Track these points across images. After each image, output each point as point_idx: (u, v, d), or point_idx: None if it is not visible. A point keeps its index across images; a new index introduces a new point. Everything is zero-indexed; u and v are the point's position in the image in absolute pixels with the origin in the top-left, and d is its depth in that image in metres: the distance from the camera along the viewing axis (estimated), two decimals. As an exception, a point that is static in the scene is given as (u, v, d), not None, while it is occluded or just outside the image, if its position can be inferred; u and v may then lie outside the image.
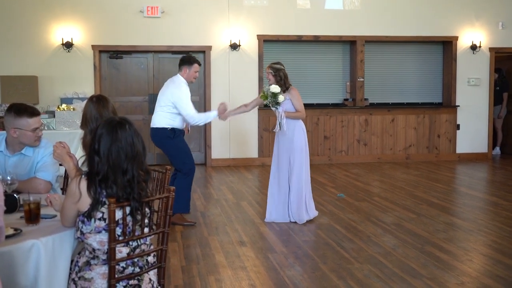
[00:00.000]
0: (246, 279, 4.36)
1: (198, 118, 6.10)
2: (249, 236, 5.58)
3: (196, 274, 4.47)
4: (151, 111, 10.51)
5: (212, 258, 4.90)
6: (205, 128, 10.30)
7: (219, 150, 10.38)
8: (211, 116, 6.25)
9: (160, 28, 10.15)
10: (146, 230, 2.72)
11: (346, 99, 10.99)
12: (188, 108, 6.01)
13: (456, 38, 11.05)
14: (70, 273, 2.73)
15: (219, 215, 6.50)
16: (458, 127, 11.16)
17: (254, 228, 5.93)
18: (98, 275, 2.61)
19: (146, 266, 2.73)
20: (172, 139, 6.05)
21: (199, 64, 6.22)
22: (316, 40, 10.64)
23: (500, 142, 11.98)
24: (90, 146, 2.66)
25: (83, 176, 2.64)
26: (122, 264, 2.64)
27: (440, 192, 7.79)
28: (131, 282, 2.66)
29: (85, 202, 2.61)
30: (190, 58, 6.24)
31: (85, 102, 3.99)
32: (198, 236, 5.62)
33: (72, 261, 2.77)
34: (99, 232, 2.60)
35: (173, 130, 6.04)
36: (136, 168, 2.64)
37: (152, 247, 2.82)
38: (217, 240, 5.45)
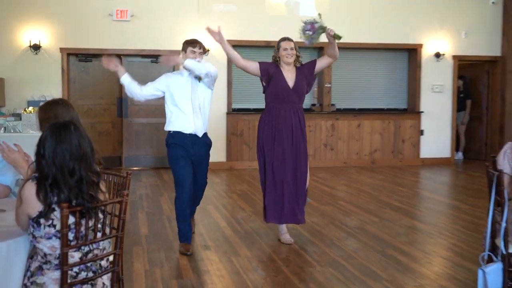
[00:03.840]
0: (209, 283, 4.31)
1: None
2: (213, 240, 5.53)
3: (159, 278, 4.40)
4: (119, 114, 10.45)
5: (176, 262, 4.84)
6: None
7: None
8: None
9: (129, 31, 10.05)
10: (99, 234, 2.66)
11: (313, 104, 11.03)
12: None
13: (421, 46, 11.19)
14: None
15: (185, 219, 6.44)
16: (422, 132, 11.30)
17: (219, 232, 5.88)
18: (51, 280, 2.54)
19: (99, 271, 2.67)
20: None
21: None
22: (285, 46, 10.65)
23: (463, 147, 12.17)
24: (36, 150, 2.59)
25: (30, 180, 2.57)
26: (75, 269, 2.57)
27: (403, 196, 7.86)
28: (84, 286, 2.60)
29: (34, 207, 2.53)
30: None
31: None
32: (163, 240, 5.55)
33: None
34: (49, 238, 2.54)
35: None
36: (84, 169, 2.58)
37: (106, 251, 2.76)
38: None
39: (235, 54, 5.32)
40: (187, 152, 5.08)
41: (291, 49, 5.28)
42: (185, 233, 5.08)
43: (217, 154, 10.41)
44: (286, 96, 5.26)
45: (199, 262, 4.81)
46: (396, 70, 11.49)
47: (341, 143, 10.90)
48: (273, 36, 10.40)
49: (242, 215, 6.60)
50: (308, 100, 11.06)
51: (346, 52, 11.04)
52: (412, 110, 11.35)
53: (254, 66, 5.37)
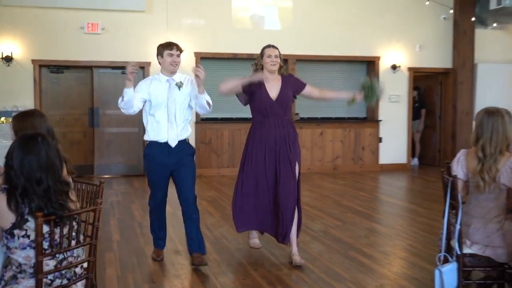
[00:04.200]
0: (180, 286, 4.27)
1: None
2: (184, 245, 5.45)
3: (132, 283, 4.34)
4: (90, 124, 10.30)
5: (148, 267, 4.78)
6: (143, 141, 10.11)
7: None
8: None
9: (100, 44, 9.93)
10: (73, 242, 2.61)
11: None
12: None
13: (379, 58, 11.37)
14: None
15: (156, 225, 6.36)
16: (380, 140, 11.45)
17: (189, 237, 5.84)
18: (26, 288, 2.49)
19: (74, 278, 2.62)
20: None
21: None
22: (251, 58, 10.66)
23: (418, 153, 12.38)
24: (5, 162, 2.54)
25: (0, 192, 2.51)
26: (50, 276, 2.52)
27: (364, 200, 7.94)
28: (59, 294, 2.55)
29: (6, 219, 2.47)
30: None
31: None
32: (134, 246, 5.47)
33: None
34: (24, 248, 2.48)
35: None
36: (52, 179, 2.54)
37: (80, 258, 2.71)
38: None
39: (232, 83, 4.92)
40: (163, 162, 4.66)
41: (276, 56, 4.86)
42: (157, 239, 4.98)
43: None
44: (269, 109, 4.83)
45: (170, 267, 4.77)
46: (356, 81, 11.56)
47: (305, 151, 10.96)
48: (239, 49, 10.47)
49: (211, 221, 6.56)
50: (273, 110, 11.10)
51: (309, 64, 11.14)
52: (371, 119, 11.50)
53: (232, 80, 4.97)
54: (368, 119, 11.55)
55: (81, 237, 2.73)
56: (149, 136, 4.74)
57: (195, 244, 4.73)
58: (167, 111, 4.67)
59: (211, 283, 4.35)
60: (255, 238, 5.33)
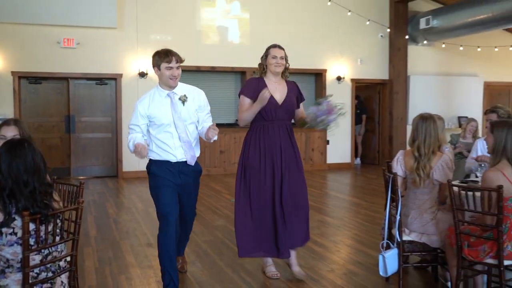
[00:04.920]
0: (154, 276, 4.22)
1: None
2: (156, 238, 5.38)
3: (108, 274, 4.26)
4: (67, 130, 10.05)
5: (123, 259, 4.70)
6: (116, 142, 9.95)
7: (129, 163, 10.04)
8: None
9: (75, 57, 9.70)
10: (57, 238, 2.55)
11: (238, 120, 11.06)
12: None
13: (325, 70, 11.52)
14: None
15: (129, 221, 6.26)
16: (328, 142, 11.60)
17: (160, 231, 5.77)
18: (13, 282, 2.40)
19: (58, 271, 2.56)
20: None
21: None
22: (213, 70, 10.67)
23: (360, 154, 12.59)
24: None
25: None
26: (36, 270, 2.45)
27: (315, 196, 8.03)
28: (45, 286, 2.48)
29: None
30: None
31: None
32: (110, 240, 5.37)
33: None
34: (12, 245, 2.41)
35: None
36: (37, 181, 2.49)
37: (63, 253, 2.65)
38: (128, 243, 5.24)
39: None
40: (172, 181, 3.74)
41: (281, 58, 4.05)
42: (171, 278, 3.63)
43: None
44: (274, 114, 4.00)
45: (144, 259, 4.70)
46: (306, 90, 11.73)
47: (262, 152, 10.98)
48: (204, 62, 10.42)
49: (180, 216, 6.50)
50: (233, 116, 11.11)
51: (265, 76, 11.17)
52: (319, 124, 11.63)
53: (247, 102, 4.04)
54: (317, 124, 11.67)
55: (64, 234, 2.67)
56: (158, 156, 3.76)
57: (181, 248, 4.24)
58: (176, 129, 3.71)
59: (181, 272, 4.30)
60: (271, 266, 4.20)
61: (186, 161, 3.76)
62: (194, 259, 4.65)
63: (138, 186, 8.98)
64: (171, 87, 3.74)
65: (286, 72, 4.17)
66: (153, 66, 3.79)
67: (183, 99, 3.74)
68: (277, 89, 4.06)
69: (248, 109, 3.98)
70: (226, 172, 10.62)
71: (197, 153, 3.91)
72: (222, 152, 10.69)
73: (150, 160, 3.84)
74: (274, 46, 4.11)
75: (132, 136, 3.76)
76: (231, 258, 4.68)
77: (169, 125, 3.70)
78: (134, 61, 10.06)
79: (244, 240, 3.97)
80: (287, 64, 4.15)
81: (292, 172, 4.04)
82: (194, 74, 10.56)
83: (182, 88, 3.81)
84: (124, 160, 10.00)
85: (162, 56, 3.74)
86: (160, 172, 3.73)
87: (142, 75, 10.00)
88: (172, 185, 3.73)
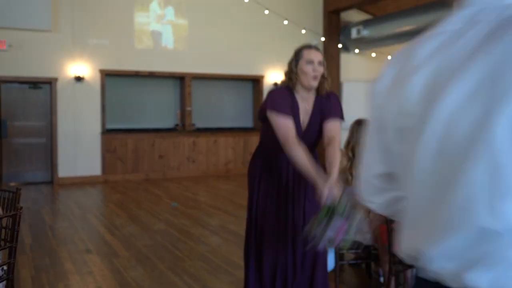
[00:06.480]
0: (93, 282, 4.10)
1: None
2: (94, 244, 5.26)
3: (46, 282, 4.09)
4: (-1, 135, 9.55)
5: (61, 266, 4.53)
6: (51, 148, 9.57)
7: (66, 169, 9.69)
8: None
9: (7, 60, 9.23)
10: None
11: (177, 125, 10.98)
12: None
13: (263, 77, 11.66)
14: None
15: (67, 228, 6.04)
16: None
17: (99, 236, 5.62)
18: None
19: (-4, 280, 2.45)
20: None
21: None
22: (152, 75, 10.52)
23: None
24: None
25: None
26: (-28, 279, 2.34)
27: (254, 198, 8.08)
28: (-19, 295, 2.37)
29: None
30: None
31: None
32: (47, 247, 5.16)
33: None
34: None
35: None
36: None
37: (0, 261, 2.53)
38: (65, 250, 5.06)
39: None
40: None
41: (319, 63, 2.86)
42: None
43: (93, 168, 9.95)
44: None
45: (83, 265, 4.56)
46: (244, 96, 11.84)
47: (201, 157, 10.96)
48: (141, 67, 10.25)
49: (120, 221, 6.35)
50: (173, 121, 11.00)
51: (204, 81, 11.17)
52: (257, 128, 11.75)
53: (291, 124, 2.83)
54: (255, 129, 11.79)
55: (1, 242, 2.55)
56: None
57: None
58: None
59: (122, 277, 4.22)
60: None
61: None
62: (135, 264, 4.57)
63: (75, 192, 8.68)
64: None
65: (326, 84, 2.93)
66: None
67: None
68: (304, 111, 2.95)
69: (310, 170, 2.69)
70: (166, 177, 10.49)
71: None
72: (161, 157, 10.55)
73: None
74: (309, 47, 2.92)
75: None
76: (172, 261, 4.64)
77: None
78: (70, 65, 9.73)
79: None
80: (325, 72, 2.91)
81: (299, 210, 3.04)
82: (133, 79, 10.37)
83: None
84: (60, 165, 9.64)
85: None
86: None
87: (79, 79, 9.69)
88: None
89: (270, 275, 3.05)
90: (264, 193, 3.06)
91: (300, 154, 2.72)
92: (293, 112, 2.86)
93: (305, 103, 2.93)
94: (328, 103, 2.95)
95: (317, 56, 2.87)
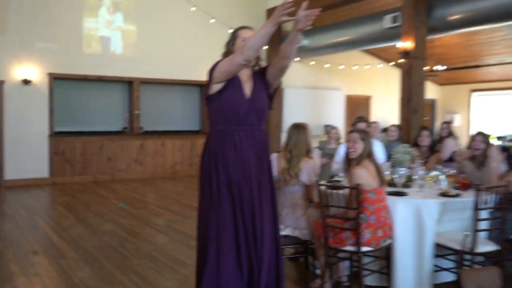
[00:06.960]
0: (40, 284, 3.96)
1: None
2: (41, 246, 5.07)
3: (-9, 285, 3.93)
4: None
5: (7, 268, 4.34)
6: (-2, 153, 9.13)
7: (13, 171, 9.27)
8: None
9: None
10: None
11: (125, 127, 10.75)
12: None
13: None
14: None
15: (13, 229, 5.79)
16: (212, 148, 11.68)
17: (46, 238, 5.42)
18: None
19: None
20: None
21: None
22: (100, 79, 10.25)
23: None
24: None
25: None
26: None
27: (200, 198, 8.05)
28: None
29: None
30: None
31: None
32: (-8, 250, 4.93)
33: None
34: None
35: None
36: None
37: None
38: (12, 252, 4.85)
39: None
40: None
41: None
42: None
43: (41, 171, 9.58)
44: (242, 116, 2.77)
45: (30, 267, 4.39)
46: (191, 100, 11.76)
47: (149, 159, 10.80)
48: (89, 71, 9.97)
49: (67, 223, 6.16)
50: (121, 124, 10.77)
51: (152, 85, 11.01)
52: (203, 131, 11.72)
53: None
54: (201, 131, 11.75)
55: None
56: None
57: None
58: None
59: (70, 278, 4.10)
60: None
61: None
62: (82, 265, 4.45)
63: (22, 195, 8.32)
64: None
65: (257, 64, 2.92)
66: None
67: None
68: (247, 86, 2.84)
69: (260, 33, 2.55)
70: (114, 179, 10.25)
71: None
72: (109, 159, 10.30)
73: None
74: (243, 27, 2.93)
75: None
76: (119, 261, 4.56)
77: None
78: (18, 68, 9.32)
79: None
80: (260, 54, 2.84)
81: (262, 196, 2.83)
82: (82, 83, 10.07)
83: None
84: (7, 167, 9.22)
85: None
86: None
87: (26, 82, 9.29)
88: None
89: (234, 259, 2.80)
90: (225, 179, 2.77)
91: (247, 41, 2.64)
92: (234, 83, 2.80)
93: (245, 77, 2.85)
94: (261, 70, 2.91)
95: (249, 34, 2.81)
